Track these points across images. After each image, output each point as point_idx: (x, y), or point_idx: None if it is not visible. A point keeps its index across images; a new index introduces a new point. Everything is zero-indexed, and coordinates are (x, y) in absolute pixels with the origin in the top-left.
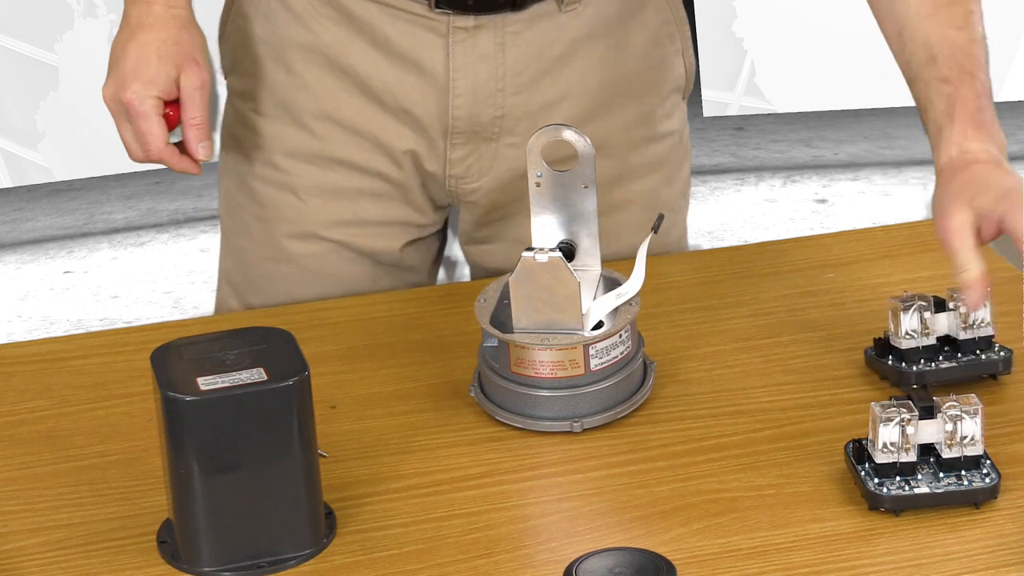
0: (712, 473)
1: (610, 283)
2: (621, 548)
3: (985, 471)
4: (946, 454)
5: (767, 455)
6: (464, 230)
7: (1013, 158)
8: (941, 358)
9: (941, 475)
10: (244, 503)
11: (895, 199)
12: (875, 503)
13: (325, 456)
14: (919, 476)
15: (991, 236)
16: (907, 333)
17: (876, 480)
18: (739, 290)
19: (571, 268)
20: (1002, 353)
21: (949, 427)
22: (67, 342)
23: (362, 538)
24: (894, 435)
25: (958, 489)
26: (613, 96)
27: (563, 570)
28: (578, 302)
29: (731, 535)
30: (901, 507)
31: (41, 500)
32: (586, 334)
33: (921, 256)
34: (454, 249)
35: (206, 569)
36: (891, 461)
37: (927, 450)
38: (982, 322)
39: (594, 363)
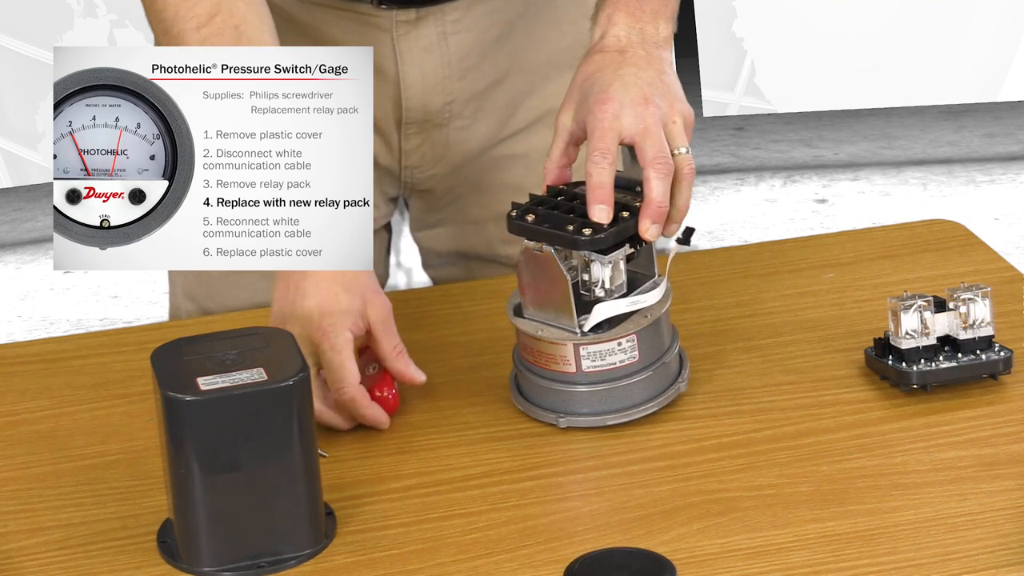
0: (712, 473)
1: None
2: (621, 548)
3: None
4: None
5: (767, 455)
6: (415, 217)
7: (1013, 158)
8: (941, 358)
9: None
10: (244, 503)
11: (895, 199)
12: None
13: (325, 456)
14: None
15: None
16: (907, 333)
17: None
18: (739, 290)
19: (562, 266)
20: (1002, 353)
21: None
22: (67, 342)
23: (362, 538)
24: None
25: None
26: (552, 70)
27: (563, 570)
28: (569, 300)
29: (731, 535)
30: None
31: (41, 500)
32: (576, 334)
33: (921, 256)
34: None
35: (206, 569)
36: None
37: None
38: (982, 322)
39: (586, 364)
